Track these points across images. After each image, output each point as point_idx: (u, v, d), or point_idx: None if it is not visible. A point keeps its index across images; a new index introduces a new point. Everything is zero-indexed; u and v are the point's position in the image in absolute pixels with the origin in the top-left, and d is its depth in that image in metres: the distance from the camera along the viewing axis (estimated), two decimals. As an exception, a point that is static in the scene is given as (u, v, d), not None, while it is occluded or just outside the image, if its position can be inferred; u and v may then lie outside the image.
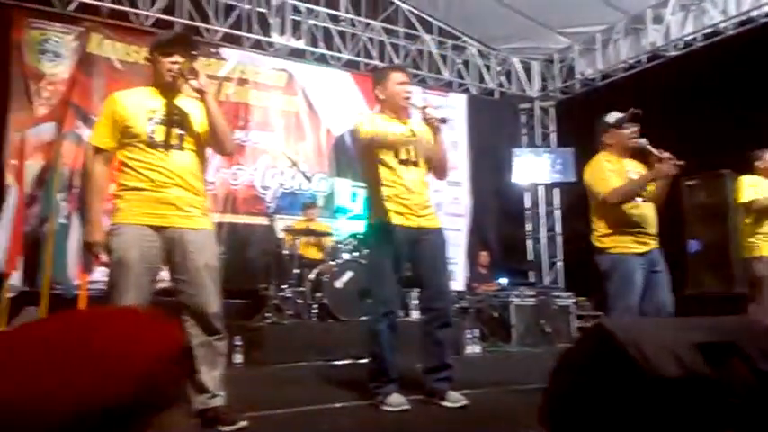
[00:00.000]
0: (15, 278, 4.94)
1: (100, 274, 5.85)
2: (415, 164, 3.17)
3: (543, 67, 9.03)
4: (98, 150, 2.60)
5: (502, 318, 6.68)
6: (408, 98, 3.17)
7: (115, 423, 0.39)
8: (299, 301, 5.72)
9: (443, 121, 3.12)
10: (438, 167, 3.28)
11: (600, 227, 3.40)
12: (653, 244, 3.38)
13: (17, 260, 4.95)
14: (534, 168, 8.57)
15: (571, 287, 7.84)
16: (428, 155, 3.22)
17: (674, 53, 7.24)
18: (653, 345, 0.99)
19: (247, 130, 7.10)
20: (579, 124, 8.40)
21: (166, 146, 2.54)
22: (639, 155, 3.51)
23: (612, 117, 3.51)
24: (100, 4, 6.23)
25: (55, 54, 6.00)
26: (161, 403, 0.42)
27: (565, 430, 0.98)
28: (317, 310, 5.64)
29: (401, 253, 3.11)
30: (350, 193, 7.42)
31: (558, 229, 8.99)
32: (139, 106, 2.56)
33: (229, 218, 6.85)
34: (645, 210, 3.39)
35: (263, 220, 6.82)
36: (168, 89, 2.60)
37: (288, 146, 7.35)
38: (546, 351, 6.05)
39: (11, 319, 4.76)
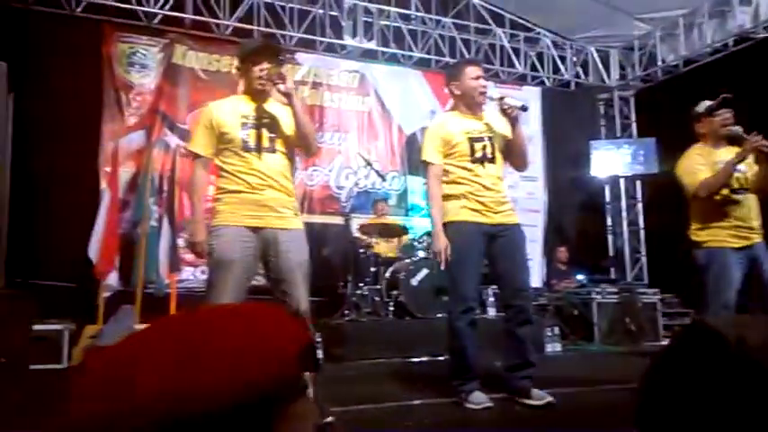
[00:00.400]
0: (112, 278, 5.28)
1: (187, 274, 6.20)
2: (491, 160, 3.14)
3: (622, 55, 8.68)
4: (197, 156, 2.77)
5: (583, 315, 6.49)
6: (484, 92, 3.15)
7: (251, 413, 0.43)
8: (376, 298, 5.80)
9: (524, 108, 3.08)
10: (518, 158, 3.25)
11: (695, 220, 3.31)
12: (755, 238, 3.24)
13: (113, 261, 5.28)
14: (614, 160, 8.27)
15: (656, 283, 7.51)
16: (507, 147, 3.18)
17: (763, 35, 6.79)
18: (761, 342, 0.94)
19: (322, 131, 7.25)
20: (662, 113, 8.09)
21: (259, 149, 2.68)
22: (737, 142, 3.36)
23: (702, 106, 3.40)
24: (183, 16, 6.53)
25: (142, 66, 6.36)
26: (292, 394, 0.45)
27: (663, 433, 0.95)
28: (393, 308, 5.70)
29: (478, 250, 3.09)
30: (423, 190, 7.45)
31: (641, 222, 8.63)
32: (233, 113, 2.71)
33: (305, 218, 6.95)
34: (744, 201, 3.26)
35: (338, 220, 6.94)
36: (258, 95, 2.75)
37: (361, 145, 7.44)
38: (631, 350, 5.83)
39: (107, 317, 5.08)
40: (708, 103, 3.37)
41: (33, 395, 3.26)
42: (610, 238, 8.82)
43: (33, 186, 5.49)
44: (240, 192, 2.64)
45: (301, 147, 2.83)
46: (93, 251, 5.17)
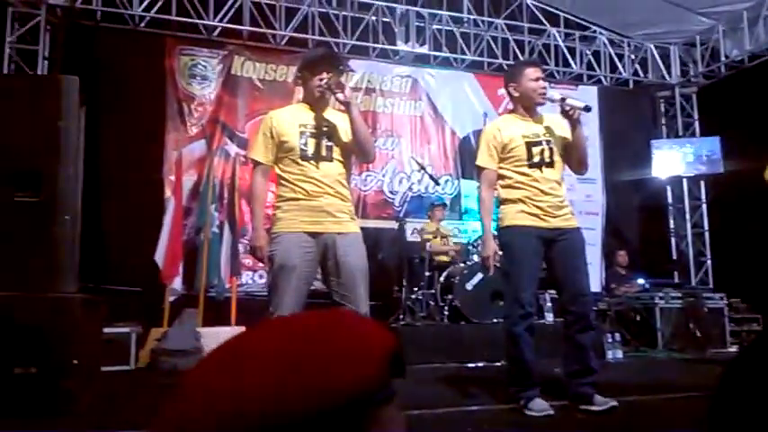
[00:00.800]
0: (176, 283, 5.48)
1: (247, 278, 6.36)
2: (549, 164, 3.09)
3: (683, 52, 8.39)
4: (257, 164, 2.85)
5: (645, 321, 6.30)
6: (544, 93, 3.09)
7: (345, 417, 0.45)
8: (431, 303, 5.80)
9: (587, 109, 3.02)
10: (577, 162, 3.18)
11: None
12: None
13: (178, 267, 5.48)
14: (676, 160, 7.99)
15: (722, 287, 7.21)
16: (566, 150, 3.13)
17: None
18: None
19: (375, 137, 7.29)
20: (726, 110, 7.77)
21: (317, 158, 2.74)
22: None
23: None
24: (241, 28, 6.74)
25: (203, 77, 6.59)
26: (383, 400, 0.47)
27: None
28: (448, 313, 5.68)
29: (536, 255, 3.05)
30: (477, 194, 7.40)
31: (706, 224, 8.31)
32: (292, 122, 2.79)
33: (359, 222, 7.04)
34: None
35: (392, 224, 6.98)
36: (317, 104, 2.81)
37: (414, 150, 7.47)
38: (696, 357, 5.62)
39: (172, 320, 5.27)
40: None
41: (104, 397, 3.43)
42: (673, 240, 8.52)
43: (101, 195, 5.77)
44: (298, 199, 2.71)
45: (358, 154, 2.88)
46: (160, 257, 5.38)
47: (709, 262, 8.19)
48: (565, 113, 3.03)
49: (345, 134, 2.80)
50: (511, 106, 7.78)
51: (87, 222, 5.60)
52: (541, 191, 3.05)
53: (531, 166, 3.07)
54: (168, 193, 6.09)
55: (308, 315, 0.54)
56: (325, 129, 2.78)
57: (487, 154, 3.15)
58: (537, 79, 3.11)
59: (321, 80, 2.73)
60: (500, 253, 3.14)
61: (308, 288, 2.74)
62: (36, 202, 3.26)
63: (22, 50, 5.82)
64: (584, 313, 3.03)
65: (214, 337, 5.07)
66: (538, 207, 3.04)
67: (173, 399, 0.50)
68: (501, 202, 3.20)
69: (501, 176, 3.16)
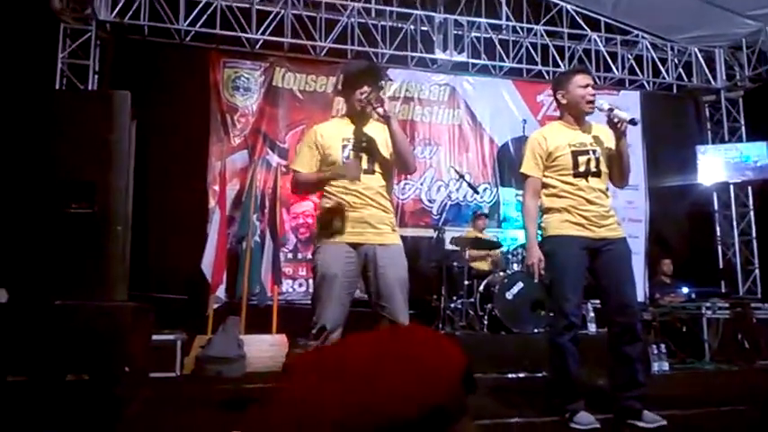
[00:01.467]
0: (220, 291, 5.59)
1: (287, 286, 6.45)
2: (596, 174, 3.05)
3: (728, 55, 8.17)
4: (297, 173, 2.94)
5: (692, 332, 6.14)
6: (592, 101, 3.06)
7: (429, 429, 0.47)
8: (470, 312, 5.77)
9: (634, 122, 2.99)
10: (619, 174, 3.12)
11: None
12: None
13: (222, 275, 5.60)
14: (722, 166, 7.79)
15: (771, 296, 7.00)
16: (609, 160, 3.08)
17: None
18: None
19: (413, 145, 7.32)
20: (773, 114, 7.54)
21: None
22: None
23: None
24: (282, 40, 6.87)
25: (246, 89, 6.74)
26: (458, 414, 0.50)
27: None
28: (487, 322, 5.65)
29: (581, 265, 3.02)
30: (516, 202, 7.35)
31: (754, 232, 8.05)
32: (335, 136, 2.87)
33: (398, 231, 7.09)
34: None
35: (430, 233, 6.99)
36: (359, 117, 2.88)
37: (452, 158, 7.47)
38: (745, 369, 5.45)
39: (216, 327, 5.38)
40: None
41: (152, 403, 3.53)
42: (719, 248, 8.28)
43: (148, 204, 5.93)
44: (341, 211, 2.77)
45: (399, 166, 2.93)
46: (207, 266, 5.50)
47: (757, 271, 7.93)
48: (611, 124, 3.00)
49: (386, 147, 2.84)
50: (551, 112, 7.75)
51: (134, 230, 5.80)
52: (587, 200, 3.02)
53: (576, 175, 3.04)
54: (213, 202, 6.23)
55: (390, 332, 0.57)
56: (365, 143, 2.83)
57: (533, 161, 3.14)
58: (586, 86, 3.07)
59: (362, 94, 2.79)
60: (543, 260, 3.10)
61: (351, 298, 2.78)
62: (89, 214, 3.39)
63: (74, 65, 6.05)
64: (631, 324, 2.97)
65: (256, 344, 5.18)
66: (583, 216, 3.01)
67: (261, 405, 0.53)
68: (545, 211, 3.16)
69: (546, 185, 3.13)
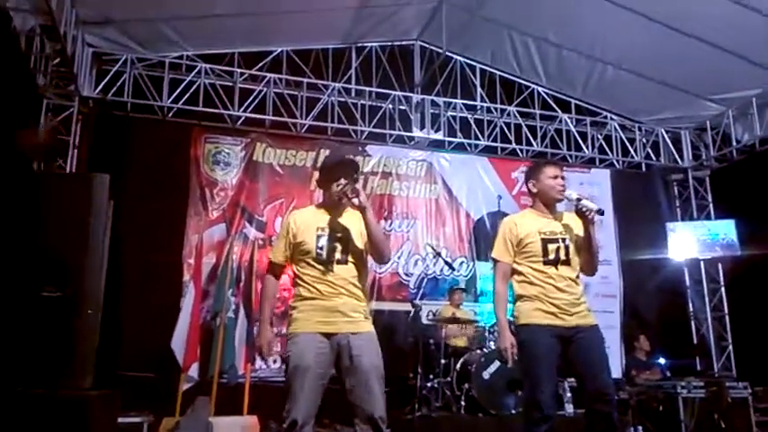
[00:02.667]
0: (193, 369, 5.44)
1: (260, 363, 6.32)
2: (565, 262, 3.09)
3: (694, 136, 8.54)
4: (274, 264, 2.97)
5: (668, 412, 6.10)
6: (562, 191, 3.15)
7: None
8: (447, 392, 5.69)
9: (601, 212, 3.05)
10: (588, 263, 3.17)
11: None
12: None
13: (196, 353, 5.47)
14: (692, 242, 7.98)
15: (745, 374, 7.02)
16: (579, 250, 3.13)
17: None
18: None
19: (391, 219, 7.43)
20: (740, 193, 7.82)
21: (331, 260, 2.82)
22: None
23: None
24: (264, 117, 7.04)
25: (226, 164, 6.83)
26: None
27: None
28: (465, 402, 5.56)
29: (554, 354, 3.01)
30: (493, 275, 7.39)
31: (725, 307, 8.18)
32: (310, 225, 2.90)
33: (375, 305, 7.08)
34: None
35: (407, 307, 6.96)
36: (335, 207, 2.93)
37: (429, 232, 7.55)
38: (723, 452, 5.41)
39: (185, 407, 5.22)
40: None
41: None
42: (693, 324, 8.37)
43: (122, 277, 5.85)
44: (314, 299, 2.79)
45: (373, 255, 2.94)
46: (178, 344, 5.37)
47: (731, 347, 8.01)
48: (580, 213, 3.07)
49: (361, 237, 2.88)
50: (525, 188, 7.95)
51: (106, 305, 5.69)
52: (557, 288, 3.05)
53: (546, 262, 3.08)
54: (187, 276, 6.17)
55: None
56: (341, 232, 2.87)
57: (503, 247, 3.19)
58: (555, 177, 3.17)
59: (338, 186, 2.86)
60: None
61: (323, 388, 2.73)
62: (61, 297, 3.35)
63: (54, 140, 6.09)
64: (607, 413, 2.95)
65: (227, 427, 5.00)
66: (553, 305, 3.03)
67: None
68: (517, 297, 3.18)
69: (517, 272, 3.17)
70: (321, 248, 2.82)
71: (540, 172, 3.23)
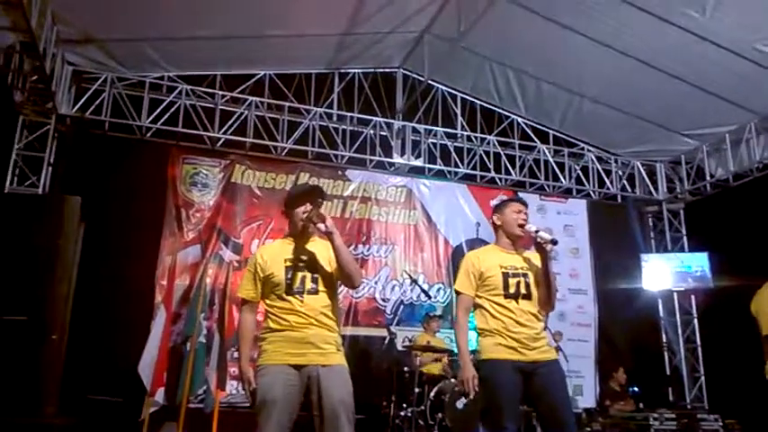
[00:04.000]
0: (159, 394, 5.34)
1: (230, 388, 6.23)
2: (526, 296, 3.11)
3: (669, 169, 8.71)
4: (245, 302, 2.89)
5: (640, 444, 6.13)
6: (522, 224, 3.18)
7: None
8: (420, 421, 5.64)
9: (554, 242, 3.09)
10: (545, 297, 3.15)
11: None
12: None
13: (163, 377, 5.37)
14: (666, 274, 8.09)
15: (716, 406, 7.08)
16: (538, 285, 3.14)
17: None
18: None
19: (369, 244, 7.43)
20: (713, 227, 7.96)
21: (302, 291, 2.76)
22: None
23: None
24: (244, 140, 7.03)
25: (203, 185, 6.79)
26: None
27: None
28: (438, 432, 5.52)
29: (516, 388, 3.00)
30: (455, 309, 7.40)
31: (698, 339, 8.27)
32: (277, 257, 2.83)
33: (350, 330, 7.04)
34: None
35: (383, 332, 6.93)
36: (301, 236, 2.86)
37: (407, 257, 7.56)
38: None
39: (151, 433, 5.11)
40: None
41: None
42: (666, 354, 8.44)
43: (93, 299, 5.75)
44: (283, 330, 2.73)
45: (343, 280, 2.88)
46: (145, 367, 5.27)
47: (703, 378, 8.08)
48: (537, 245, 3.11)
49: (330, 263, 2.83)
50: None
51: (75, 325, 5.58)
52: (517, 322, 3.06)
53: (506, 296, 3.10)
54: (159, 298, 6.07)
55: None
56: (309, 261, 2.81)
57: (466, 279, 3.20)
58: (519, 212, 3.22)
59: (304, 213, 2.79)
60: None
61: (292, 421, 2.67)
62: (25, 322, 3.28)
63: (28, 157, 6.01)
64: None
65: (194, 455, 4.91)
66: (514, 339, 3.04)
67: None
68: (479, 332, 3.18)
69: (478, 305, 3.18)
70: (290, 279, 2.76)
71: (505, 206, 3.30)
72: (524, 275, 3.13)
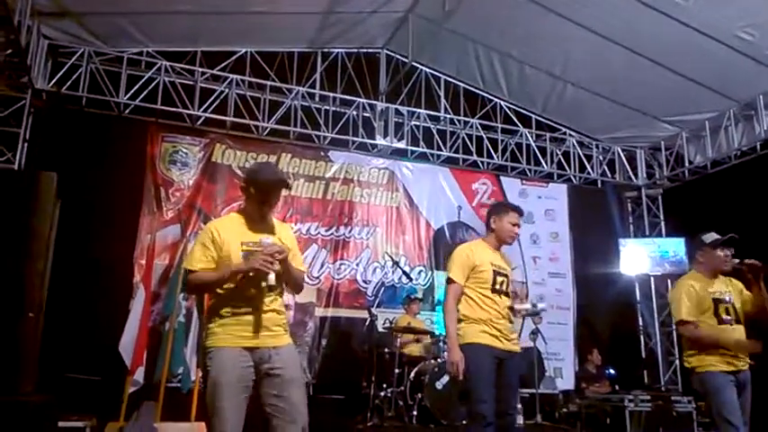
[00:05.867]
0: (139, 373, 5.30)
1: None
2: (506, 294, 3.51)
3: (648, 155, 8.80)
4: (191, 274, 2.71)
5: (616, 424, 6.24)
6: (514, 237, 3.56)
7: None
8: (400, 402, 5.68)
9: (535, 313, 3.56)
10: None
11: (687, 345, 3.52)
12: (741, 365, 3.40)
13: (143, 356, 5.32)
14: (643, 258, 8.20)
15: (690, 389, 7.22)
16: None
17: (791, 141, 6.85)
18: None
19: (351, 226, 7.41)
20: (690, 212, 8.08)
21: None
22: (734, 274, 3.60)
23: (710, 237, 3.59)
24: (225, 118, 6.92)
25: (183, 164, 6.69)
26: None
27: None
28: (417, 413, 5.56)
29: (493, 370, 3.35)
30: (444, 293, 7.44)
31: (674, 323, 8.41)
32: (233, 238, 2.70)
33: (332, 311, 7.05)
34: (731, 333, 3.43)
35: (364, 314, 6.94)
36: (258, 220, 2.78)
37: (389, 239, 7.56)
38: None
39: (130, 412, 5.07)
40: (715, 236, 3.56)
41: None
42: (642, 337, 8.59)
43: (70, 278, 5.67)
44: (235, 314, 2.64)
45: (289, 287, 2.88)
46: (125, 346, 5.22)
47: (677, 361, 8.23)
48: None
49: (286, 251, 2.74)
50: (485, 200, 8.23)
51: (53, 305, 5.50)
52: (501, 314, 3.43)
53: (493, 291, 3.45)
54: (138, 277, 6.00)
55: None
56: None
57: (459, 270, 3.49)
58: (514, 225, 3.55)
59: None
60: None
61: (246, 403, 2.62)
62: (0, 299, 3.22)
63: (4, 132, 5.85)
64: (507, 427, 3.35)
65: (172, 434, 4.90)
66: (497, 329, 3.39)
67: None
68: (462, 318, 3.46)
69: (466, 295, 3.49)
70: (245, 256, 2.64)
71: (504, 213, 3.60)
72: (506, 276, 3.56)
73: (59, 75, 6.23)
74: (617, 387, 6.92)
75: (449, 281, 3.51)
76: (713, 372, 3.35)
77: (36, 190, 3.37)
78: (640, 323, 8.63)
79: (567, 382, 7.70)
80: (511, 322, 3.49)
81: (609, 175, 8.77)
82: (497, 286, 3.46)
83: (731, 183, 7.46)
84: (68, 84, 6.24)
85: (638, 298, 8.70)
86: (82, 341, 5.73)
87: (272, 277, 2.62)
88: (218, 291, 2.68)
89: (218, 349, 2.60)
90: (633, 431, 6.16)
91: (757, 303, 3.45)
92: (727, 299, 3.50)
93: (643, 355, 8.49)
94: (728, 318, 3.45)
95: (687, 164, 8.11)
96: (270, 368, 2.63)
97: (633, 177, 8.82)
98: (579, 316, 8.23)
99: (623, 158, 8.82)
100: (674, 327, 8.35)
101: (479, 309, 3.41)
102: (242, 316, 2.64)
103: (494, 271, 3.47)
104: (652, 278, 8.51)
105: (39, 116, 6.08)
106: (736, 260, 3.48)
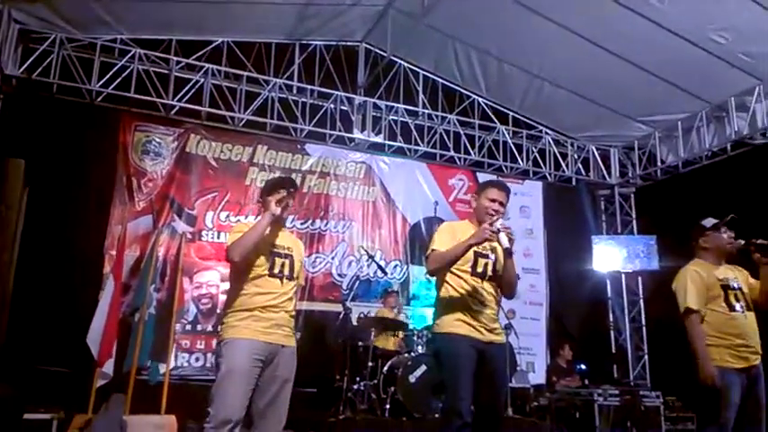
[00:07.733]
0: (108, 365, 5.21)
1: (182, 360, 6.15)
2: (491, 278, 3.15)
3: (622, 154, 8.93)
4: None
5: (585, 417, 6.34)
6: (492, 214, 3.15)
7: None
8: (373, 395, 5.69)
9: (509, 252, 3.09)
10: (506, 285, 3.21)
11: None
12: (754, 358, 3.28)
13: (112, 348, 5.24)
14: (615, 256, 8.32)
15: (659, 383, 7.38)
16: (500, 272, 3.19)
17: (760, 141, 6.99)
18: None
19: (326, 219, 7.39)
20: (661, 211, 8.22)
21: (282, 277, 2.96)
22: (738, 259, 3.48)
23: (709, 221, 3.49)
24: (199, 108, 6.82)
25: (156, 153, 6.58)
26: None
27: None
28: (390, 406, 5.57)
29: (473, 364, 3.05)
30: (425, 281, 7.48)
31: (643, 320, 8.58)
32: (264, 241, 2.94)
33: (306, 305, 7.01)
34: (744, 321, 3.29)
35: (338, 307, 6.93)
36: (276, 226, 3.01)
37: (365, 233, 7.55)
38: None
39: (98, 404, 4.99)
40: (714, 219, 3.48)
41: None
42: (612, 333, 8.73)
43: (38, 268, 5.56)
44: (254, 309, 2.88)
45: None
46: (94, 338, 5.12)
47: (646, 357, 8.39)
48: (499, 244, 3.09)
49: (300, 262, 3.10)
50: (461, 195, 8.18)
51: (21, 294, 5.39)
52: (480, 301, 3.10)
53: (473, 274, 3.12)
54: (108, 268, 5.90)
55: None
56: (288, 250, 3.02)
57: (442, 241, 3.16)
58: (493, 201, 3.19)
59: (279, 199, 2.95)
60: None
61: (251, 393, 2.80)
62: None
63: (-30, 118, 5.72)
64: (492, 421, 3.08)
65: (141, 427, 4.82)
66: (475, 318, 3.08)
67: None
68: (439, 304, 3.20)
69: (445, 280, 3.17)
70: (273, 264, 2.93)
71: (484, 190, 3.27)
72: (492, 258, 3.17)
73: (30, 61, 6.07)
74: (587, 381, 7.02)
75: (432, 252, 3.15)
76: (724, 368, 3.20)
77: (4, 177, 3.29)
78: (611, 319, 8.77)
79: (539, 376, 7.81)
80: (493, 310, 3.14)
81: (583, 173, 8.88)
82: (479, 269, 3.11)
83: (702, 183, 7.59)
84: (39, 70, 6.09)
85: (609, 294, 8.82)
86: (50, 332, 5.63)
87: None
88: (242, 286, 2.91)
89: (235, 340, 2.81)
90: (602, 425, 6.26)
91: (764, 289, 3.31)
92: (736, 285, 3.36)
93: (613, 350, 8.62)
94: (739, 304, 3.30)
95: (659, 163, 8.25)
96: (274, 365, 2.85)
97: (607, 176, 8.94)
98: (552, 311, 8.33)
99: (597, 157, 8.94)
100: (643, 323, 8.53)
101: (457, 293, 3.10)
102: (265, 314, 2.87)
103: (475, 253, 3.10)
104: (623, 275, 8.65)
105: (8, 102, 5.93)
106: (742, 241, 3.38)
